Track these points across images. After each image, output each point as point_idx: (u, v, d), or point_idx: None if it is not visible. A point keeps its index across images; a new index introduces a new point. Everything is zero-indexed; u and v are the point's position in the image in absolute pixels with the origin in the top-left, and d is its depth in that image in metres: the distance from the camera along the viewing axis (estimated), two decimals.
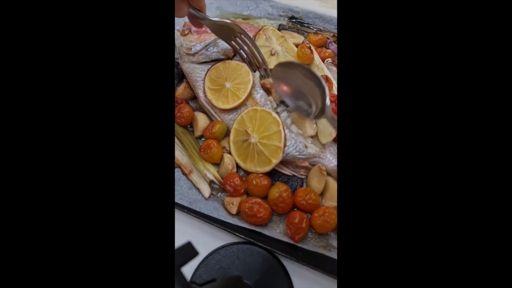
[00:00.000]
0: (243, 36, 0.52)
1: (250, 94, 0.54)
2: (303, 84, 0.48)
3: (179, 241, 0.32)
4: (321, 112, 0.45)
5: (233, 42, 0.53)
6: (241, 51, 0.55)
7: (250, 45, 0.54)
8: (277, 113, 0.53)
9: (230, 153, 0.53)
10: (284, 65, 0.51)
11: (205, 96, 0.55)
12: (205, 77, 0.56)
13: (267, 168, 0.50)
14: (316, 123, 0.52)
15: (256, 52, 0.55)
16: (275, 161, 0.49)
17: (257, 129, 0.51)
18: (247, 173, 0.52)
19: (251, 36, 0.59)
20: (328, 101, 0.45)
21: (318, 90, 0.46)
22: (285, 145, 0.50)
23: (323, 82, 0.46)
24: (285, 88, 0.52)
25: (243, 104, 0.54)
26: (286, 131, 0.51)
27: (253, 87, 0.54)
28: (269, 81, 0.55)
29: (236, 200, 0.49)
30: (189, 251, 0.32)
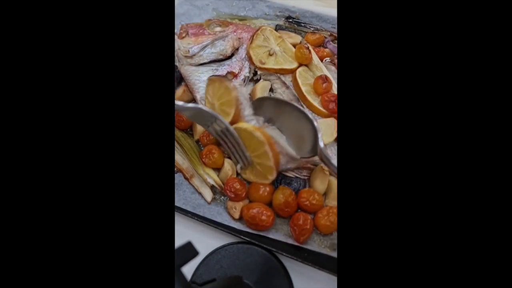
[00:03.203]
0: (218, 121, 0.45)
1: (238, 113, 0.49)
2: (293, 124, 0.47)
3: (179, 241, 0.33)
4: (313, 152, 0.44)
5: (210, 128, 0.47)
6: (221, 140, 0.48)
7: (228, 133, 0.47)
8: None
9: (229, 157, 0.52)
10: (275, 104, 0.49)
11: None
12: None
13: (266, 182, 0.49)
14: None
15: (234, 141, 0.48)
16: (271, 177, 0.48)
17: (247, 148, 0.48)
18: None
19: (249, 37, 0.59)
20: (321, 143, 0.42)
21: (309, 131, 0.44)
22: (277, 163, 0.47)
23: (315, 123, 0.44)
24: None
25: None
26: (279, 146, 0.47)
27: (239, 104, 0.49)
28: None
29: (238, 205, 0.49)
30: (189, 251, 0.32)
